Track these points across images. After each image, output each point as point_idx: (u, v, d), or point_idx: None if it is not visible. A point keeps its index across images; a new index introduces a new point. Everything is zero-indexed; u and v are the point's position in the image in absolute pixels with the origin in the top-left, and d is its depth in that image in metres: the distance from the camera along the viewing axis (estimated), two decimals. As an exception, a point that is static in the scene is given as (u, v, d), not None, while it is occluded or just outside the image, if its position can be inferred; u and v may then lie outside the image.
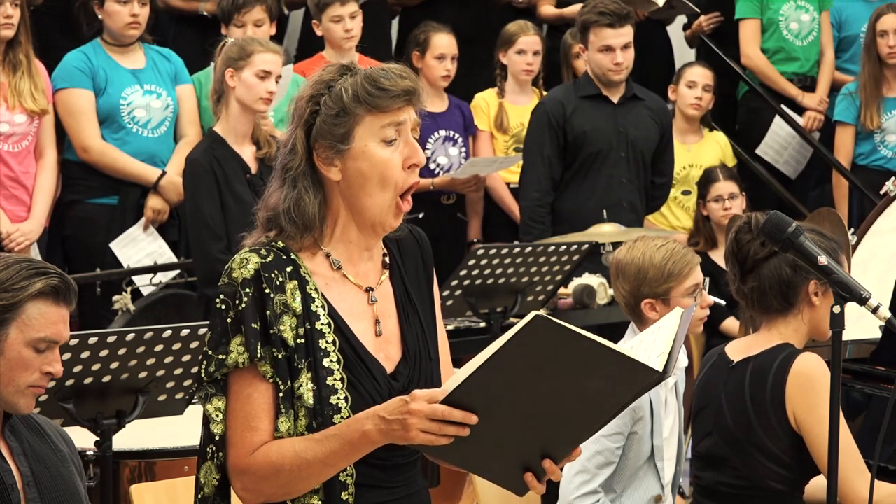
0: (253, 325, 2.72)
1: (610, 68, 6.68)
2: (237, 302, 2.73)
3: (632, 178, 6.77)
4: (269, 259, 2.75)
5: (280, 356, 2.72)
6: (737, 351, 3.78)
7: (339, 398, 2.73)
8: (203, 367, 2.76)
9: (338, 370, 2.74)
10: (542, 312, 2.51)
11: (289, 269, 2.76)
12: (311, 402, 2.72)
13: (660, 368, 2.59)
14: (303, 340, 2.74)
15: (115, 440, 3.91)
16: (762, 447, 3.65)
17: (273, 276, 2.74)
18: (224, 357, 2.73)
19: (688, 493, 6.92)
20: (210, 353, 2.75)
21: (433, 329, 2.92)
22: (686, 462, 6.74)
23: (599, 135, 6.71)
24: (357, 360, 2.76)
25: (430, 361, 2.87)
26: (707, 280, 4.48)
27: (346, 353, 2.76)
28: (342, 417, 2.71)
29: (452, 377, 2.62)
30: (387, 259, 2.88)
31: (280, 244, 2.79)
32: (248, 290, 2.72)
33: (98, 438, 3.88)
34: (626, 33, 6.66)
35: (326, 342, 2.75)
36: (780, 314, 3.73)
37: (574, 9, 7.45)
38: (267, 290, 2.73)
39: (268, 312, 2.72)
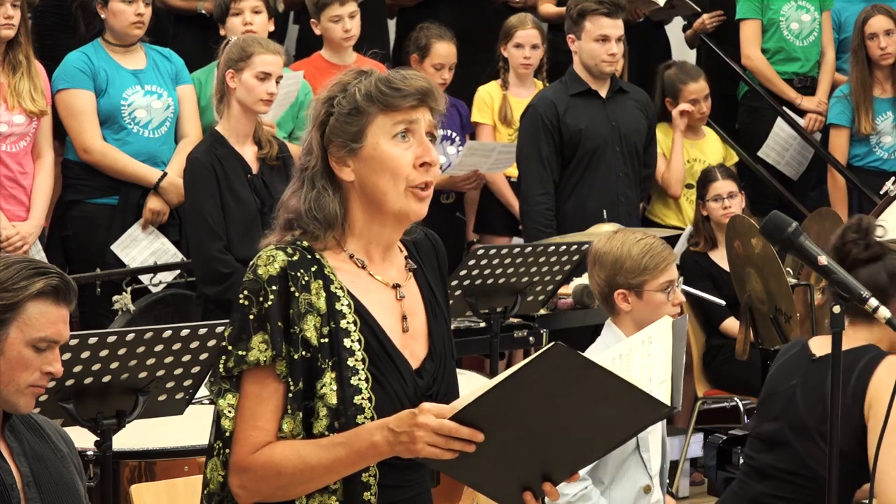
0: (279, 323, 2.71)
1: (604, 59, 6.68)
2: (262, 299, 2.72)
3: (628, 171, 6.78)
4: (295, 258, 2.75)
5: (297, 356, 2.72)
6: (820, 346, 3.85)
7: (363, 398, 2.72)
8: (222, 362, 2.75)
9: (363, 369, 2.74)
10: (560, 342, 2.52)
11: (314, 269, 2.76)
12: (335, 401, 2.71)
13: (668, 402, 2.61)
14: (327, 340, 2.73)
15: (115, 440, 3.91)
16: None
17: (299, 274, 2.73)
18: (244, 353, 2.72)
19: (688, 493, 6.92)
20: (230, 348, 2.74)
21: (450, 330, 2.95)
22: (686, 462, 6.76)
23: (594, 131, 6.71)
24: (384, 356, 2.76)
25: (453, 360, 2.90)
26: (681, 278, 4.52)
27: (372, 348, 2.76)
28: (366, 418, 2.71)
29: (463, 396, 2.63)
30: (410, 260, 2.89)
31: (305, 243, 2.79)
32: (274, 287, 2.72)
33: (98, 438, 3.87)
34: (620, 25, 6.69)
35: (352, 341, 2.74)
36: (864, 318, 3.73)
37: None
38: (292, 289, 2.72)
39: (291, 311, 2.72)
